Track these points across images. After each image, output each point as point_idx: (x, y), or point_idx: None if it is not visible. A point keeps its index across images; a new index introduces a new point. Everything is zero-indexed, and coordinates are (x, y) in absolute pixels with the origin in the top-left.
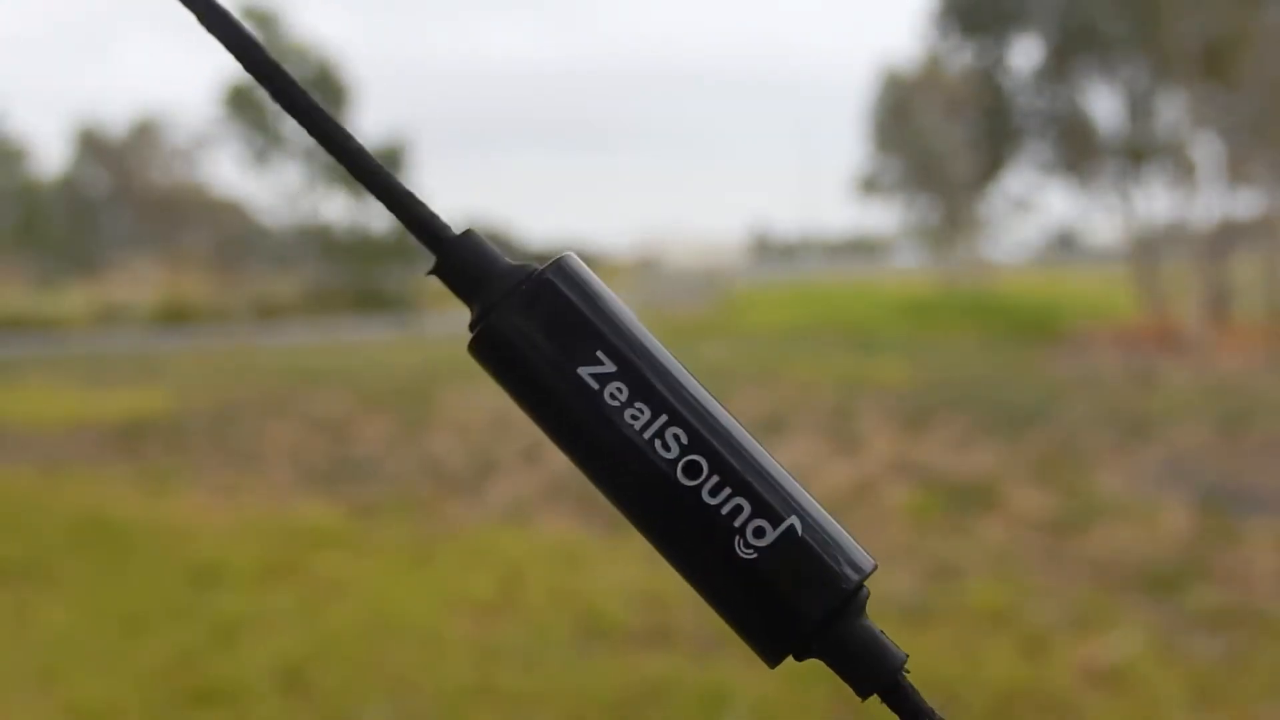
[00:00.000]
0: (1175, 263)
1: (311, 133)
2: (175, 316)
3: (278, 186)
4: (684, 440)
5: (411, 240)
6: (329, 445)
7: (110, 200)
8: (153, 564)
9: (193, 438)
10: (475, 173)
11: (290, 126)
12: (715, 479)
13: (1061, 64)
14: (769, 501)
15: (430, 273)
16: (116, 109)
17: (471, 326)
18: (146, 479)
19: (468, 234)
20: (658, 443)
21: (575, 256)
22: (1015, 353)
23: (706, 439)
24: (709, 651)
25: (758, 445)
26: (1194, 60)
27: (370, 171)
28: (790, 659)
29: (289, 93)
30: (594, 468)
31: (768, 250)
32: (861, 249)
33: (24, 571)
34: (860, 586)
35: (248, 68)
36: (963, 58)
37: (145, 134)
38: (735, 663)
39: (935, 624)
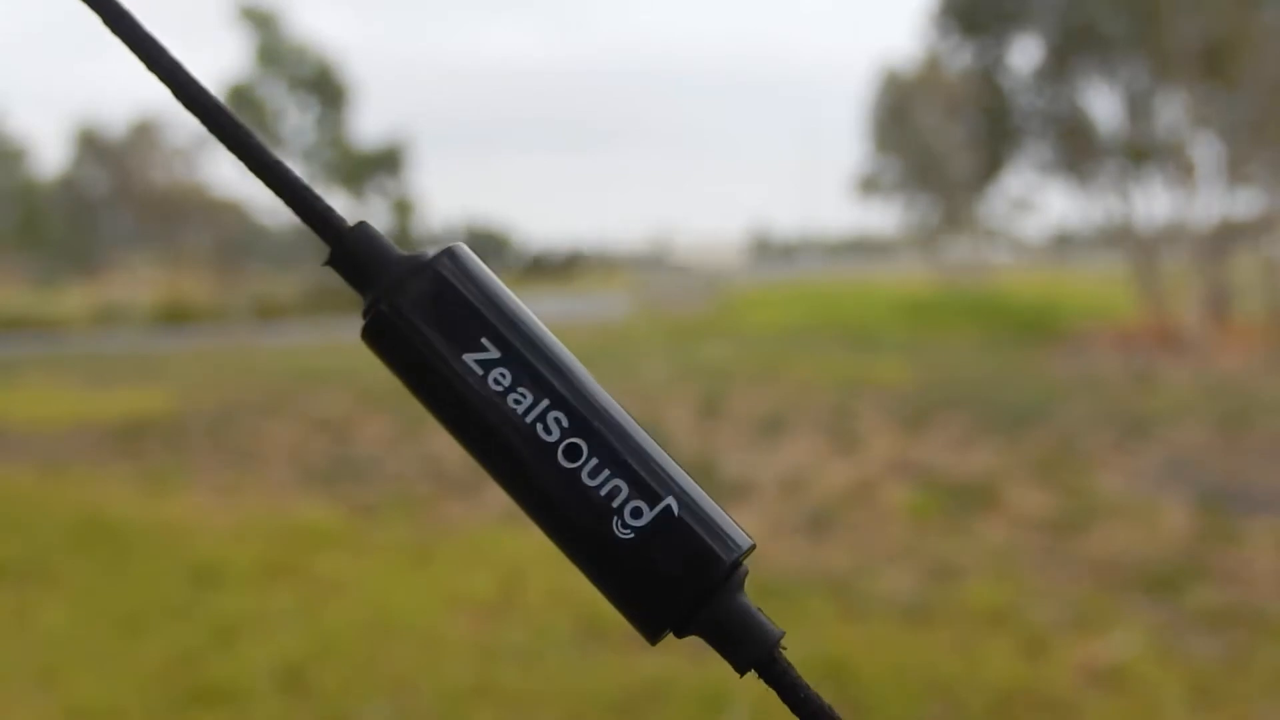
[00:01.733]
0: (1175, 263)
1: (209, 128)
2: (175, 316)
3: None
4: (564, 424)
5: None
6: (329, 445)
7: (110, 200)
8: (153, 564)
9: (193, 438)
10: (475, 173)
11: (289, 127)
12: (595, 461)
13: (1061, 64)
14: (647, 482)
15: (325, 263)
16: (116, 109)
17: (363, 315)
18: (146, 479)
19: (360, 225)
20: (539, 426)
21: (464, 247)
22: (1015, 353)
23: (587, 422)
24: (709, 651)
25: (640, 430)
26: (1194, 60)
27: (267, 165)
28: (671, 636)
29: (187, 88)
30: (479, 452)
31: (768, 250)
32: (861, 249)
33: (24, 571)
34: (738, 564)
35: (149, 66)
36: (963, 58)
37: (145, 134)
38: None
39: (935, 624)
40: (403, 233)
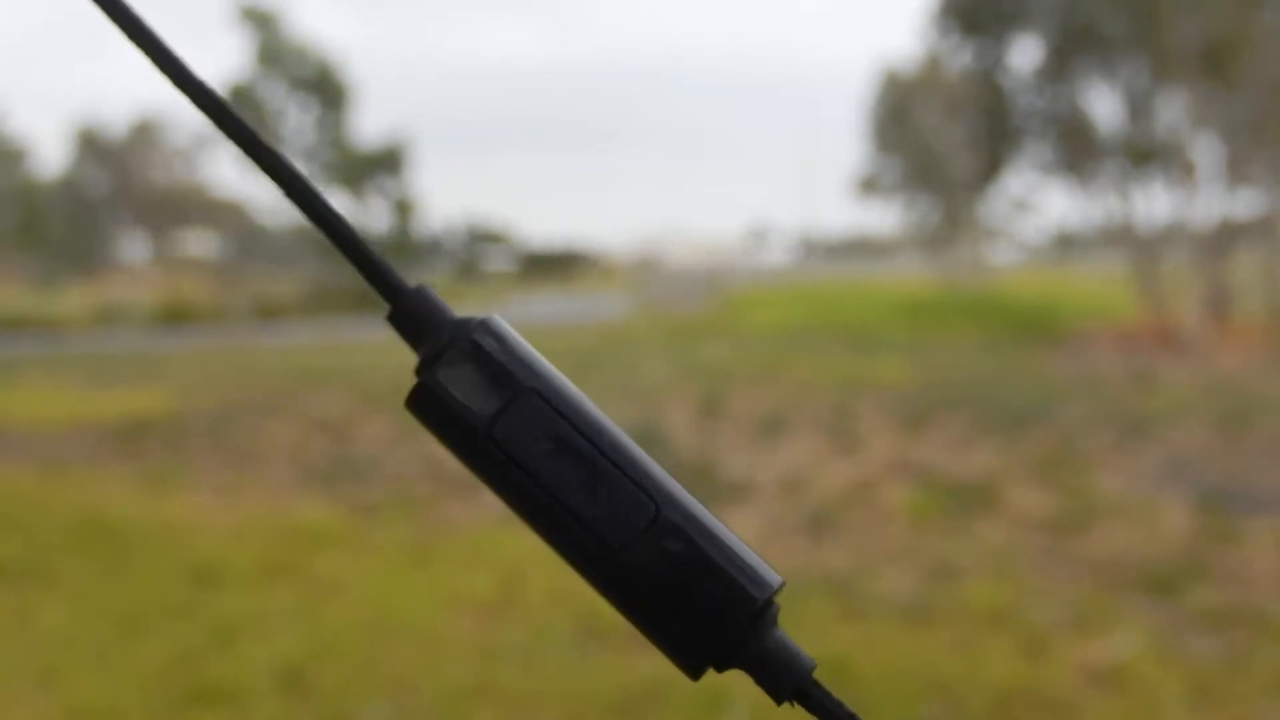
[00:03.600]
0: (1175, 263)
1: (279, 187)
2: (175, 316)
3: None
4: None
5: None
6: (329, 445)
7: (110, 200)
8: (153, 564)
9: (193, 438)
10: (475, 173)
11: (290, 127)
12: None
13: (1061, 64)
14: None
15: (387, 319)
16: (116, 109)
17: (416, 373)
18: (146, 479)
19: (420, 289)
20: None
21: (496, 320)
22: (1015, 353)
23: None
24: None
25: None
26: (1194, 60)
27: (335, 225)
28: (712, 671)
29: (256, 149)
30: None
31: (767, 250)
32: (862, 249)
33: (24, 571)
34: (769, 602)
35: (218, 126)
36: (963, 58)
37: (145, 134)
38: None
39: (935, 624)
40: (403, 233)
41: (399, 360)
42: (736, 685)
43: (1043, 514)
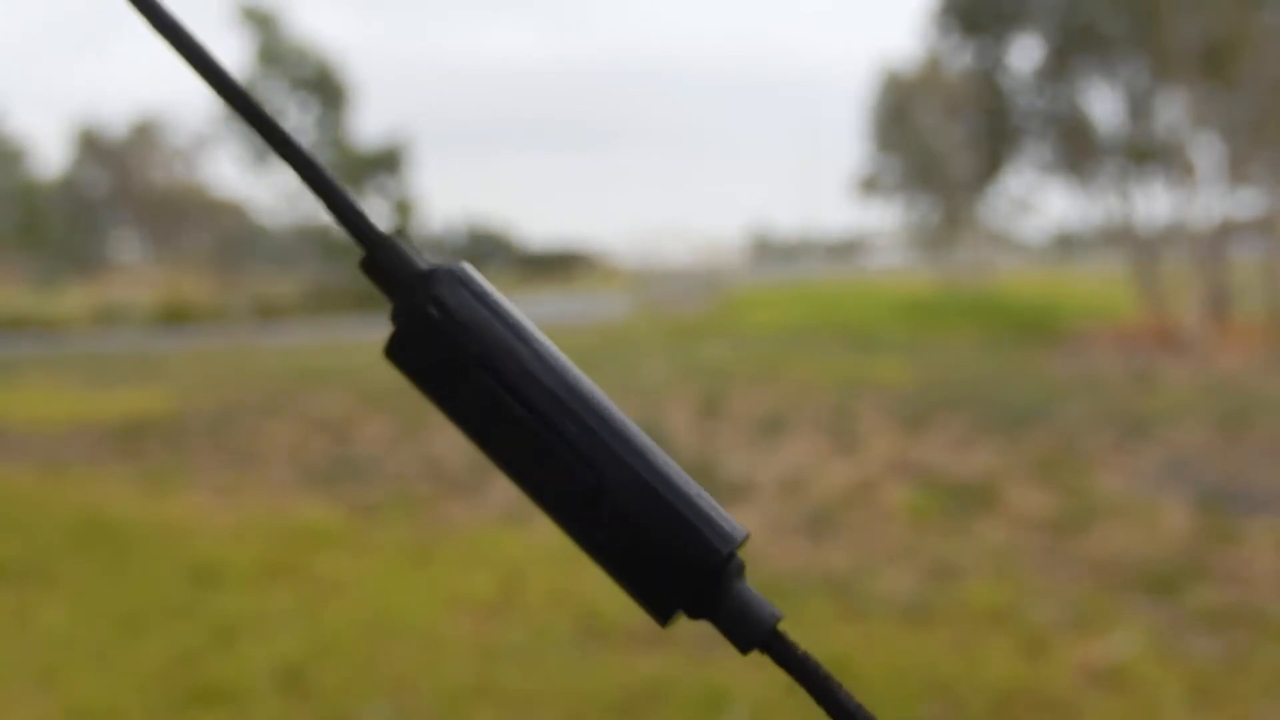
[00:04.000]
0: (1175, 263)
1: (259, 132)
2: (175, 316)
3: (278, 186)
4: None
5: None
6: (329, 445)
7: (110, 200)
8: (153, 564)
9: (193, 438)
10: (475, 173)
11: (289, 127)
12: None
13: (1061, 64)
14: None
15: (359, 266)
16: (116, 109)
17: (391, 320)
18: (146, 479)
19: (390, 238)
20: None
21: (462, 269)
22: (1015, 353)
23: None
24: (709, 651)
25: (632, 430)
26: (1194, 60)
27: (310, 171)
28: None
29: (235, 94)
30: (498, 461)
31: (768, 250)
32: (862, 249)
33: (24, 571)
34: (733, 556)
35: (200, 73)
36: (963, 58)
37: (145, 134)
38: (735, 663)
39: (935, 624)
40: (402, 233)
41: None
42: (737, 685)
43: (1043, 514)
